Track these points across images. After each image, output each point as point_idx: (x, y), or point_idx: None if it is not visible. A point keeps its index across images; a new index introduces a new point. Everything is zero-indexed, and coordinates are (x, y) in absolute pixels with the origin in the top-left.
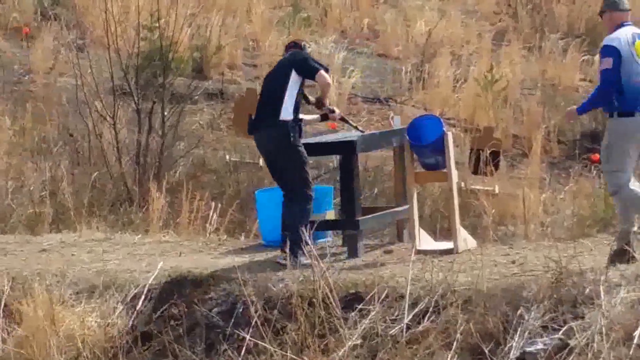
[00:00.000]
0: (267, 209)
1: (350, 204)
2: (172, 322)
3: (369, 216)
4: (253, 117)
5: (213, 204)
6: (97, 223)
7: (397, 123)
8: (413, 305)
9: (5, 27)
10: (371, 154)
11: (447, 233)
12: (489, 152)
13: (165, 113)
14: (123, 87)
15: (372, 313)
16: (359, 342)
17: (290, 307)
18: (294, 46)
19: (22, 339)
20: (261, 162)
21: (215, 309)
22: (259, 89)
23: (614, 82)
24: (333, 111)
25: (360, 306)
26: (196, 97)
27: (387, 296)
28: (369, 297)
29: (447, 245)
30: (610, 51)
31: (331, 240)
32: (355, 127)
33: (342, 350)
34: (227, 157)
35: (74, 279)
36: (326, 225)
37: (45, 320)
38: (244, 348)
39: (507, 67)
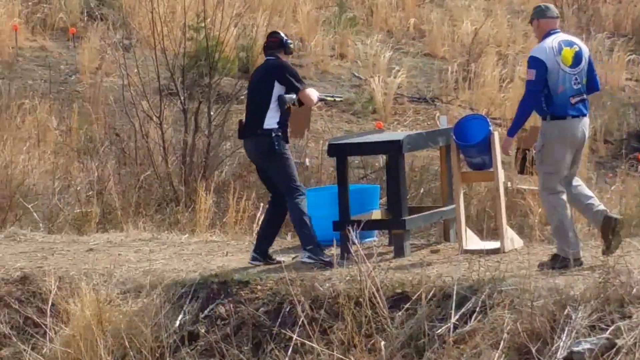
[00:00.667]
0: (314, 208)
1: (396, 203)
2: (219, 322)
3: (416, 216)
4: (243, 122)
5: (262, 204)
6: (143, 223)
7: (444, 123)
8: (460, 304)
9: (52, 27)
10: (417, 154)
11: (494, 233)
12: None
13: (212, 113)
14: (169, 87)
15: (419, 312)
16: (405, 341)
17: (337, 307)
18: (275, 46)
19: (69, 338)
20: (307, 161)
21: (262, 309)
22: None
23: (537, 92)
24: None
25: (407, 306)
26: (242, 97)
27: (433, 296)
28: (415, 296)
29: (493, 244)
30: (535, 63)
31: (377, 239)
32: (333, 100)
33: (389, 349)
34: None
35: (121, 278)
36: (373, 225)
37: (92, 320)
38: (291, 347)
39: None
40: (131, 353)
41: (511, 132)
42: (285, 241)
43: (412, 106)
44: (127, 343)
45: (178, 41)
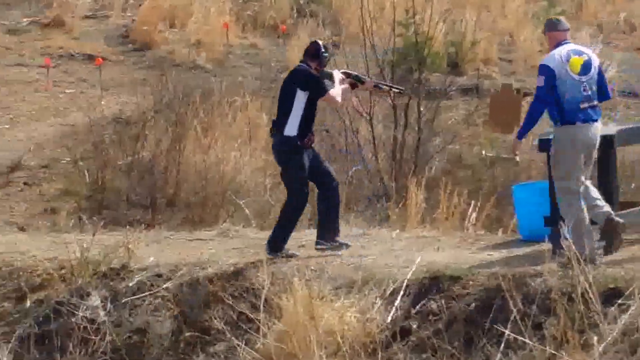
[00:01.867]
0: (525, 204)
1: (608, 198)
2: (430, 317)
3: (628, 211)
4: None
5: (473, 201)
6: (354, 218)
7: None
8: None
9: (263, 25)
10: (628, 149)
11: None
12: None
13: (421, 109)
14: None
15: (632, 308)
16: (619, 337)
17: (549, 302)
18: (310, 54)
19: (282, 333)
20: (517, 157)
21: (474, 304)
22: (515, 84)
23: (545, 97)
24: (363, 81)
25: (619, 301)
26: (451, 93)
27: None
28: (628, 292)
29: None
30: (544, 70)
31: None
32: (390, 89)
33: (602, 345)
34: (483, 152)
35: (333, 274)
36: None
37: (304, 315)
38: (503, 343)
39: None
40: (344, 349)
41: (521, 135)
42: (496, 237)
43: (623, 100)
44: (339, 339)
45: (387, 37)
